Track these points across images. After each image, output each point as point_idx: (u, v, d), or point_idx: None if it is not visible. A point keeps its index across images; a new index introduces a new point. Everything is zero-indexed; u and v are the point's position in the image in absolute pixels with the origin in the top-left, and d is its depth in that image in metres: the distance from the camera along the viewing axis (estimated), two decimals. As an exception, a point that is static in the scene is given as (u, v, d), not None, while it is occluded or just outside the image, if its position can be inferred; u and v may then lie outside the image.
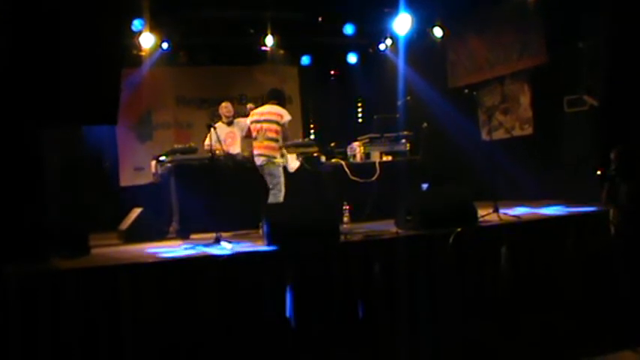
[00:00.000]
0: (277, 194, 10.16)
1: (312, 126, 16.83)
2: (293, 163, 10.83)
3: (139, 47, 13.79)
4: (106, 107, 7.54)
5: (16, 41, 6.84)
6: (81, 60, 7.18)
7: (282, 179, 10.29)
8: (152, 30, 13.39)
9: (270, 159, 10.22)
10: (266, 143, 10.25)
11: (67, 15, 7.06)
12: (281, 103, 10.57)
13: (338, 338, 7.13)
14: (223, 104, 11.97)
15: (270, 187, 10.20)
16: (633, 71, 10.24)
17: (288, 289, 7.00)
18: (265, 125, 10.28)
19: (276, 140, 10.28)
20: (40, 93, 6.99)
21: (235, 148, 11.54)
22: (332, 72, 17.40)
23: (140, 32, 13.29)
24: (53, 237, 7.67)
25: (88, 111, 7.48)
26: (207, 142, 10.95)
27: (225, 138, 11.11)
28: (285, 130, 10.39)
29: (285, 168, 10.50)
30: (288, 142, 10.77)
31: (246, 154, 11.34)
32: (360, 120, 16.78)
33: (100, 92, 7.36)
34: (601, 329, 7.50)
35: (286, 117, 10.41)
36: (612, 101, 10.72)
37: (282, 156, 10.38)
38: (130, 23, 12.87)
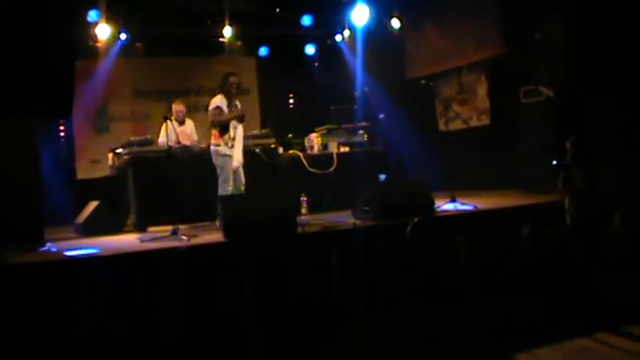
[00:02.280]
0: (223, 185, 9.89)
1: (269, 117, 16.76)
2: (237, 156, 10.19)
3: (95, 38, 13.61)
4: (60, 100, 7.45)
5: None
6: (33, 52, 7.09)
7: (227, 169, 9.93)
8: (108, 21, 13.21)
9: (211, 147, 10.12)
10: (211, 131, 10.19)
11: (18, 5, 6.97)
12: (221, 89, 10.24)
13: (296, 329, 7.13)
14: (177, 104, 11.83)
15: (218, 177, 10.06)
16: (588, 62, 10.34)
17: (245, 281, 6.99)
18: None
19: (214, 128, 10.04)
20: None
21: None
22: (290, 63, 17.33)
23: (96, 23, 13.10)
24: (6, 230, 7.59)
25: (42, 104, 7.39)
26: (161, 138, 10.88)
27: (179, 134, 10.99)
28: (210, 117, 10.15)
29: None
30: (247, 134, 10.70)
31: (202, 146, 11.28)
32: (317, 111, 16.75)
33: (53, 85, 7.27)
34: (557, 317, 7.57)
35: (210, 105, 10.14)
36: (568, 91, 10.83)
37: (229, 145, 10.08)
38: (86, 14, 12.72)
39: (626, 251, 8.42)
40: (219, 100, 9.99)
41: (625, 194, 8.86)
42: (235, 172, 10.02)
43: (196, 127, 12.00)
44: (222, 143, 9.95)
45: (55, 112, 7.90)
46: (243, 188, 10.09)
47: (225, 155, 9.93)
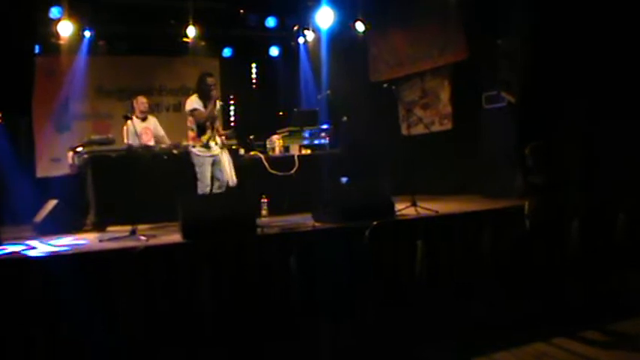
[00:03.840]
0: (200, 185, 10.01)
1: (232, 118, 16.71)
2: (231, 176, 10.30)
3: (57, 35, 13.48)
4: (19, 96, 7.40)
5: None
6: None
7: (203, 169, 10.00)
8: (71, 18, 13.09)
9: (189, 148, 10.15)
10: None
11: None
12: (197, 90, 10.24)
13: (255, 330, 7.12)
14: (140, 98, 11.69)
15: None
16: (550, 68, 10.43)
17: (203, 283, 6.96)
18: None
19: (191, 129, 10.09)
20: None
21: (152, 144, 11.36)
22: (253, 64, 17.31)
23: (58, 20, 12.98)
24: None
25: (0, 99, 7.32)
26: (125, 139, 10.82)
27: (140, 133, 10.93)
28: (191, 118, 10.12)
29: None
30: None
31: (163, 146, 11.24)
32: (280, 113, 16.72)
33: (11, 81, 7.21)
34: (515, 321, 7.61)
35: (187, 106, 10.14)
36: (529, 97, 10.92)
37: (206, 147, 10.09)
38: (48, 10, 12.60)
39: (583, 256, 8.51)
40: (195, 102, 10.01)
41: (584, 200, 8.94)
42: (220, 170, 10.11)
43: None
44: (197, 144, 10.01)
45: (13, 109, 7.82)
46: (224, 187, 10.13)
47: (199, 156, 9.96)
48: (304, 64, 16.17)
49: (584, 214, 8.74)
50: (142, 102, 11.56)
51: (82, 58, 14.45)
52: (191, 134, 10.08)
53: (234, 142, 11.47)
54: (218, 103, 10.22)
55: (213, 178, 10.10)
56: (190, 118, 10.06)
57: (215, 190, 10.04)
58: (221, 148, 10.13)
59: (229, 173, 10.13)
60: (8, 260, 6.95)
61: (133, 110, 11.40)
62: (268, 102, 17.01)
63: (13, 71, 7.20)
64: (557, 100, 10.39)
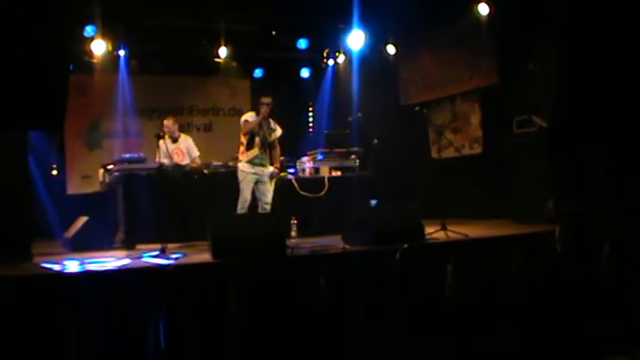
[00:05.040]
0: (239, 199, 10.23)
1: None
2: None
3: (90, 54, 13.60)
4: (53, 113, 7.44)
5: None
6: (28, 64, 7.08)
7: (243, 184, 10.23)
8: (104, 37, 13.23)
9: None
10: None
11: (15, 18, 6.96)
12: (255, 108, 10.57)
13: (283, 351, 7.08)
14: (165, 121, 11.74)
15: None
16: (581, 92, 10.37)
17: (231, 303, 6.94)
18: None
19: (241, 144, 10.42)
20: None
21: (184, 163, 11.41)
22: (284, 85, 17.34)
23: (92, 39, 13.12)
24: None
25: (34, 116, 7.36)
26: (157, 158, 10.89)
27: (171, 153, 10.99)
28: (241, 133, 10.46)
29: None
30: None
31: (193, 165, 11.30)
32: (311, 134, 16.72)
33: (46, 98, 7.25)
34: (545, 348, 7.54)
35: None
36: (561, 122, 10.85)
37: (251, 163, 10.28)
38: (82, 29, 12.72)
39: (614, 282, 8.42)
40: (248, 116, 10.41)
41: (615, 225, 8.85)
42: (262, 193, 10.27)
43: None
44: (243, 159, 10.25)
45: (46, 126, 7.87)
46: (268, 207, 10.21)
47: (242, 171, 10.15)
48: (335, 86, 16.18)
49: (616, 238, 8.66)
50: (166, 125, 11.56)
51: (113, 76, 14.55)
52: (240, 149, 10.33)
53: (285, 174, 11.57)
54: (272, 122, 10.49)
55: (255, 197, 10.29)
56: (241, 133, 10.35)
57: (260, 210, 10.19)
58: (270, 177, 10.34)
59: (269, 199, 10.27)
60: (41, 276, 6.97)
61: (163, 131, 11.45)
62: (299, 123, 17.03)
63: (48, 89, 7.22)
64: (588, 125, 10.32)
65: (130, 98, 15.12)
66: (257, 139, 10.23)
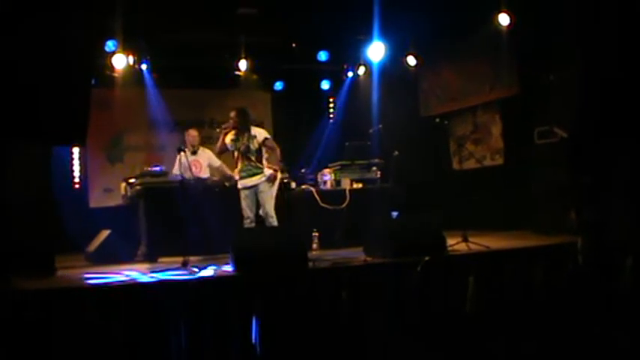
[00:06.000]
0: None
1: (283, 152, 16.75)
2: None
3: (112, 68, 13.68)
4: (75, 127, 7.48)
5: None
6: (51, 79, 7.13)
7: (241, 201, 10.29)
8: (125, 51, 13.30)
9: None
10: None
11: (37, 32, 7.02)
12: None
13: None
14: (191, 132, 11.86)
15: None
16: (603, 103, 10.32)
17: (254, 316, 6.95)
18: None
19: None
20: (8, 111, 6.92)
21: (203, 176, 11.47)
22: (305, 98, 17.36)
23: (113, 53, 13.19)
24: (17, 256, 7.58)
25: (57, 131, 7.41)
26: (174, 170, 10.92)
27: (190, 165, 11.04)
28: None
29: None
30: None
31: (215, 179, 11.34)
32: (331, 147, 16.74)
33: (69, 112, 7.30)
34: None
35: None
36: (582, 133, 10.80)
37: (241, 179, 10.34)
38: (104, 44, 12.80)
39: (636, 294, 8.36)
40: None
41: (638, 236, 8.79)
42: (260, 202, 10.23)
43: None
44: (237, 177, 10.40)
45: (69, 140, 7.92)
46: (273, 220, 10.14)
47: (239, 189, 10.33)
48: (355, 97, 16.19)
49: (639, 250, 8.59)
50: (192, 135, 11.68)
51: (135, 90, 14.62)
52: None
53: (285, 175, 11.52)
54: (260, 133, 10.44)
55: (258, 210, 10.26)
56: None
57: (267, 224, 10.12)
58: (268, 180, 10.22)
59: (268, 209, 10.20)
60: (61, 288, 7.01)
61: (185, 143, 11.49)
62: (319, 135, 17.03)
63: (71, 103, 7.27)
64: (610, 135, 10.27)
65: (151, 112, 15.20)
66: (236, 154, 10.28)
